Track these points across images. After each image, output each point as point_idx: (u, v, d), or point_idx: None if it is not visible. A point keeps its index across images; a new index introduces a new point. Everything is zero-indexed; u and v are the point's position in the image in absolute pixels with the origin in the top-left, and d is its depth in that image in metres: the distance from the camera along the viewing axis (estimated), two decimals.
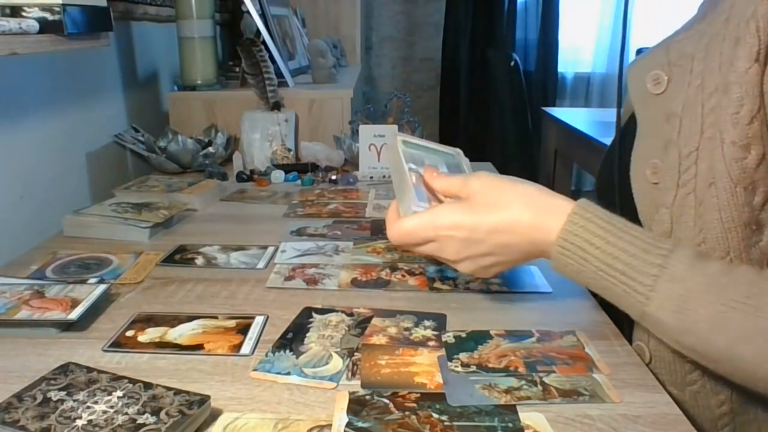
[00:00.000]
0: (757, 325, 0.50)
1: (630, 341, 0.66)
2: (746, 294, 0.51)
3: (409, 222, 0.63)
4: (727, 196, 0.56)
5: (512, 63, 2.93)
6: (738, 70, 0.55)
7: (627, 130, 0.84)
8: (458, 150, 0.76)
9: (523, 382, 0.57)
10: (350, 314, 0.70)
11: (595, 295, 0.68)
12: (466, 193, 0.62)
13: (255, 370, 0.59)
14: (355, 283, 0.79)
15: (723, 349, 0.52)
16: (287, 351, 0.62)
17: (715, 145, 0.56)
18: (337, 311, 0.71)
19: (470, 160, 0.76)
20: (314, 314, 0.70)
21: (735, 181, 0.56)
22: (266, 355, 0.61)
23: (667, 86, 0.62)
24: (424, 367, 0.59)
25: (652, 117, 0.64)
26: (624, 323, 0.67)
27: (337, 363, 0.60)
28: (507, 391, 0.55)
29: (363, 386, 0.56)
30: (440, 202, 0.65)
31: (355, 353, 0.62)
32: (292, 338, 0.65)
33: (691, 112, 0.59)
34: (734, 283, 0.52)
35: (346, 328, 0.67)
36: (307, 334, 0.66)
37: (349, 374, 0.58)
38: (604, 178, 0.84)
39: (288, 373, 0.58)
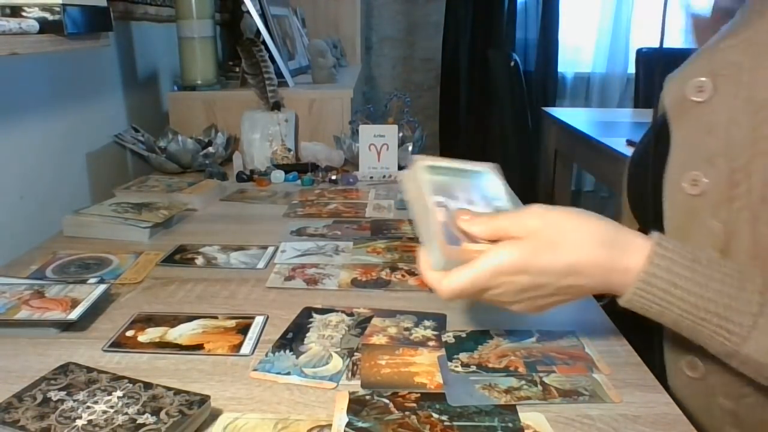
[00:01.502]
0: None
1: (661, 354, 0.64)
2: None
3: (464, 275, 0.54)
4: None
5: (512, 63, 2.93)
6: None
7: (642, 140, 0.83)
8: (490, 165, 0.65)
9: (523, 382, 0.57)
10: (350, 314, 0.70)
11: (614, 315, 0.65)
12: (524, 232, 0.54)
13: (255, 370, 0.59)
14: (355, 283, 0.79)
15: None
16: (287, 351, 0.62)
17: None
18: (337, 311, 0.71)
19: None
20: (314, 314, 0.70)
21: None
22: (266, 355, 0.61)
23: (712, 96, 0.59)
24: (424, 367, 0.59)
25: (691, 127, 0.61)
26: (654, 339, 0.65)
27: (337, 363, 0.60)
28: (507, 391, 0.55)
29: (363, 386, 0.56)
30: (475, 240, 0.55)
31: (355, 353, 0.62)
32: (292, 338, 0.65)
33: (739, 125, 0.57)
34: None
35: (346, 328, 0.67)
36: (307, 334, 0.66)
37: (349, 374, 0.58)
38: (635, 188, 0.82)
39: (288, 373, 0.58)
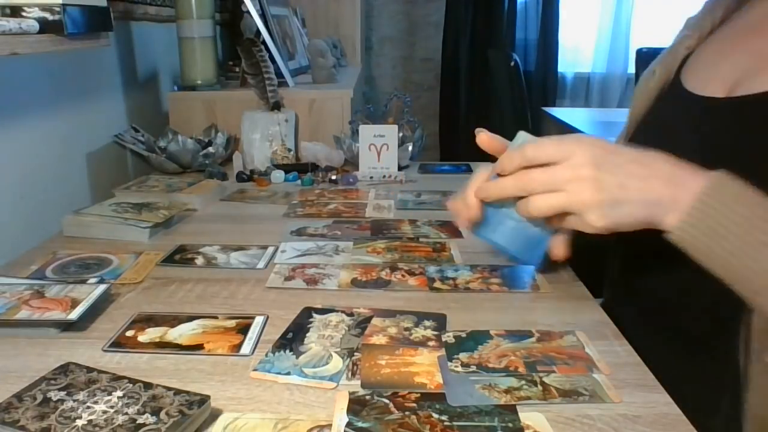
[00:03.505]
0: None
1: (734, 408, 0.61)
2: None
3: (540, 139, 0.61)
4: None
5: (512, 63, 2.94)
6: None
7: (639, 134, 0.83)
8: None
9: (523, 382, 0.57)
10: (350, 314, 0.70)
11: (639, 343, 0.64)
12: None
13: (255, 370, 0.59)
14: (355, 283, 0.79)
15: None
16: (287, 351, 0.62)
17: None
18: (337, 311, 0.71)
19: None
20: (314, 314, 0.70)
21: None
22: (266, 355, 0.61)
23: None
24: (424, 367, 0.59)
25: None
26: (722, 397, 0.62)
27: (337, 363, 0.60)
28: (507, 391, 0.55)
29: (363, 386, 0.56)
30: None
31: (355, 353, 0.62)
32: (292, 338, 0.65)
33: None
34: None
35: (346, 328, 0.67)
36: (307, 334, 0.66)
37: (349, 374, 0.58)
38: None
39: (288, 373, 0.58)
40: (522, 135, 0.67)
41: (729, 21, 0.80)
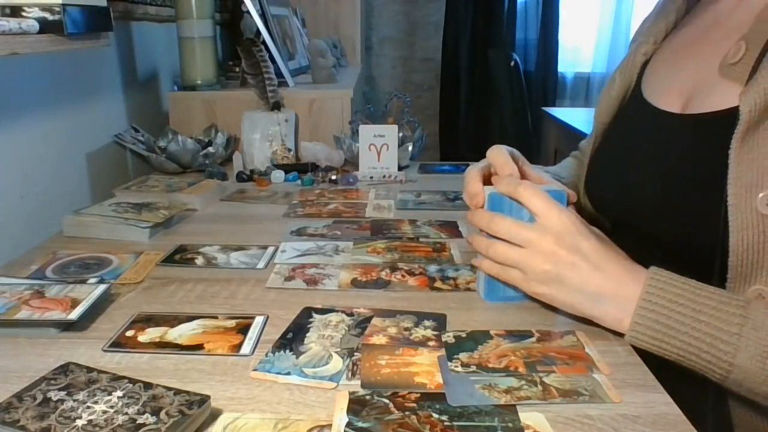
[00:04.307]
0: None
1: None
2: None
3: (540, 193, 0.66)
4: None
5: (512, 63, 2.94)
6: None
7: (605, 143, 0.84)
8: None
9: (523, 382, 0.57)
10: (350, 314, 0.70)
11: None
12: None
13: (255, 370, 0.59)
14: (355, 283, 0.79)
15: None
16: (287, 351, 0.62)
17: None
18: (337, 311, 0.71)
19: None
20: (314, 314, 0.70)
21: None
22: (266, 355, 0.61)
23: None
24: (424, 367, 0.59)
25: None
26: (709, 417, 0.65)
27: (337, 363, 0.60)
28: (507, 391, 0.55)
29: (363, 386, 0.56)
30: None
31: (355, 353, 0.62)
32: (292, 338, 0.65)
33: None
34: None
35: (346, 328, 0.67)
36: (307, 334, 0.66)
37: (349, 374, 0.58)
38: (598, 189, 0.84)
39: (288, 373, 0.58)
40: (490, 195, 0.70)
41: (682, 25, 0.81)
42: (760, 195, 0.58)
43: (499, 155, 0.73)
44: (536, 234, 0.65)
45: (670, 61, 0.78)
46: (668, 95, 0.74)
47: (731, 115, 0.60)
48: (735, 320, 0.55)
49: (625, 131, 0.81)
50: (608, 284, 0.62)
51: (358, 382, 0.57)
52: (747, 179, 0.59)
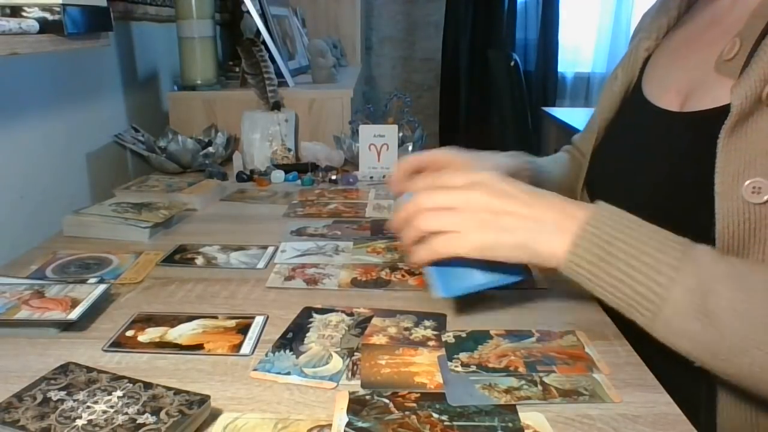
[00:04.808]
0: None
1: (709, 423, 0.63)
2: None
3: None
4: None
5: (512, 63, 2.94)
6: None
7: (608, 140, 0.84)
8: None
9: (523, 382, 0.57)
10: (350, 314, 0.70)
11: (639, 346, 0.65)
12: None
13: (255, 369, 0.59)
14: (355, 283, 0.79)
15: (742, 338, 0.51)
16: (287, 351, 0.62)
17: None
18: (337, 311, 0.71)
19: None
20: (314, 314, 0.70)
21: None
22: (266, 355, 0.61)
23: None
24: (424, 367, 0.59)
25: (759, 129, 0.60)
26: (701, 410, 0.63)
27: (337, 363, 0.60)
28: (507, 391, 0.55)
29: (363, 386, 0.56)
30: None
31: (355, 353, 0.62)
32: (292, 338, 0.65)
33: None
34: (757, 272, 0.53)
35: (346, 328, 0.67)
36: (307, 334, 0.66)
37: (349, 374, 0.58)
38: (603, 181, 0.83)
39: (288, 373, 0.58)
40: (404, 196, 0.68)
41: (682, 22, 0.82)
42: (746, 183, 0.58)
43: (437, 153, 0.75)
44: (465, 191, 0.62)
45: (669, 59, 0.79)
46: (667, 94, 0.74)
47: (726, 112, 0.60)
48: (676, 254, 0.54)
49: (626, 130, 0.81)
50: (550, 213, 0.60)
51: (358, 382, 0.57)
52: (733, 168, 0.60)
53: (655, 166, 0.72)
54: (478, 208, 0.60)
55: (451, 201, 0.61)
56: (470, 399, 0.54)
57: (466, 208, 0.60)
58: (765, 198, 0.58)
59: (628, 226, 0.57)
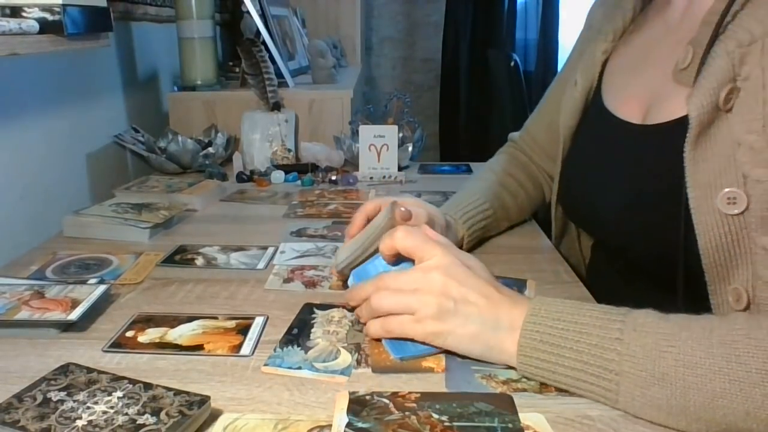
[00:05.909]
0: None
1: None
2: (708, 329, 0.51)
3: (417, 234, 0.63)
4: None
5: (512, 63, 2.93)
6: None
7: (574, 152, 0.83)
8: None
9: (522, 375, 0.57)
10: (351, 310, 0.70)
11: None
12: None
13: (266, 365, 0.59)
14: None
15: (702, 392, 0.49)
16: (295, 346, 0.63)
17: None
18: (337, 307, 0.71)
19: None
20: (315, 310, 0.70)
21: None
22: (275, 350, 0.62)
23: (734, 102, 0.58)
24: None
25: (721, 139, 0.59)
26: None
27: (346, 357, 0.61)
28: (505, 383, 0.56)
29: (374, 371, 0.58)
30: None
31: (363, 345, 0.63)
32: (298, 333, 0.65)
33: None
34: (697, 320, 0.52)
35: (350, 324, 0.67)
36: (312, 330, 0.66)
37: (359, 362, 0.60)
38: (572, 196, 0.83)
39: (299, 368, 0.59)
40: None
41: (638, 25, 0.81)
42: (719, 195, 0.58)
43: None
44: (422, 273, 0.60)
45: (627, 68, 0.78)
46: (627, 104, 0.74)
47: (686, 123, 0.60)
48: (617, 325, 0.52)
49: (590, 141, 0.81)
50: (502, 311, 0.58)
51: (368, 370, 0.58)
52: (704, 180, 0.59)
53: (622, 182, 0.72)
54: (438, 291, 0.59)
55: (410, 283, 0.60)
56: (467, 386, 0.56)
57: (425, 291, 0.59)
58: (742, 208, 0.57)
59: (564, 311, 0.56)
